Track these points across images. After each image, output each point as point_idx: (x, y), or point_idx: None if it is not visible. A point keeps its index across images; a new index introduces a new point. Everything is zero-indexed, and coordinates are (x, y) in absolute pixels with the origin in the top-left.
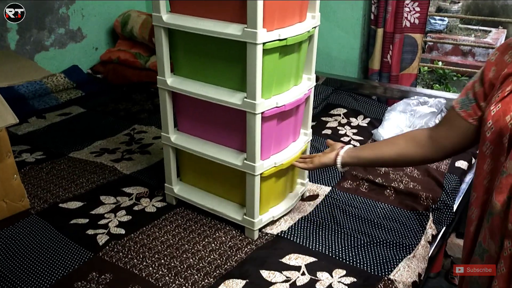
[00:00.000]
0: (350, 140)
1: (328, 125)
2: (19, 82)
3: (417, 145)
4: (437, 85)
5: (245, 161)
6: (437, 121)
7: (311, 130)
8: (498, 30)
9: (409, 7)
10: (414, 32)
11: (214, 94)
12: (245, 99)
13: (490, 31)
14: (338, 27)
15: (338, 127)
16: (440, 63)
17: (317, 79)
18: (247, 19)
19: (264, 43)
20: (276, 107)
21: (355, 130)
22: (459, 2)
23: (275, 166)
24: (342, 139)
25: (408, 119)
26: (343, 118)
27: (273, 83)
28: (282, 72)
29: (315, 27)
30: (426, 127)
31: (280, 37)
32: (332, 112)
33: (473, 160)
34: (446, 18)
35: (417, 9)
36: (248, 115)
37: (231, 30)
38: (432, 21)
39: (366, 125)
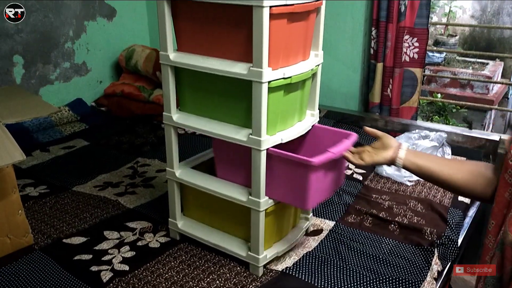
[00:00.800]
0: (352, 173)
1: None
2: (26, 119)
3: (485, 183)
4: (437, 117)
5: (250, 197)
6: (438, 155)
7: None
8: (496, 63)
9: (408, 43)
10: (413, 67)
11: (220, 131)
12: (250, 136)
13: (487, 64)
14: (339, 61)
15: None
16: (439, 95)
17: (318, 112)
18: (253, 58)
19: (269, 82)
20: (281, 143)
21: None
22: (456, 36)
23: (280, 202)
24: (345, 172)
25: None
26: None
27: (277, 120)
28: (286, 109)
29: (318, 65)
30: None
31: (285, 75)
32: None
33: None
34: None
35: (416, 44)
36: (253, 151)
37: (237, 69)
38: (430, 53)
39: None
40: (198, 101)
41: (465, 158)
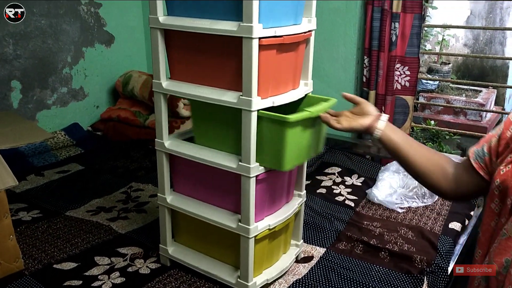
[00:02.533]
0: (344, 200)
1: (323, 184)
2: (20, 145)
3: (442, 176)
4: (430, 143)
5: (239, 224)
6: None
7: (305, 191)
8: (489, 90)
9: (399, 71)
10: (405, 94)
11: (210, 157)
12: (240, 163)
13: (480, 91)
14: (332, 88)
15: (332, 186)
16: (432, 121)
17: None
18: (243, 87)
19: (258, 110)
20: (270, 169)
21: (349, 190)
22: (449, 63)
23: (269, 229)
24: (337, 198)
25: (401, 179)
26: (337, 177)
27: None
28: None
29: (307, 94)
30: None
31: (274, 104)
32: (326, 170)
33: (466, 222)
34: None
35: (407, 72)
36: (242, 178)
37: (227, 97)
38: (424, 81)
39: (360, 184)
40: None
41: None
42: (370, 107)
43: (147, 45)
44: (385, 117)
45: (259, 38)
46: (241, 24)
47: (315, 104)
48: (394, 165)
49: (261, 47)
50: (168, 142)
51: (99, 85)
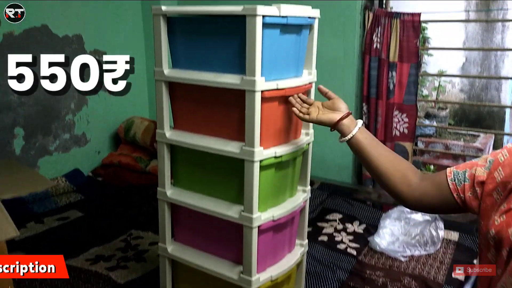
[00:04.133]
0: (346, 248)
1: (324, 231)
2: (22, 194)
3: (405, 183)
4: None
5: (241, 275)
6: (432, 230)
7: (307, 241)
8: (486, 135)
9: (398, 118)
10: (404, 141)
11: (212, 207)
12: (242, 213)
13: (478, 135)
14: (332, 134)
15: (334, 233)
16: (432, 166)
17: (312, 184)
18: (245, 138)
19: (261, 161)
20: (272, 220)
21: (351, 237)
22: (446, 108)
23: (271, 280)
24: (338, 246)
25: (403, 226)
26: (339, 223)
27: (269, 197)
28: (277, 186)
29: (309, 144)
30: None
31: (276, 154)
32: (328, 217)
33: (470, 270)
34: (435, 123)
35: (406, 119)
36: (245, 228)
37: (230, 148)
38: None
39: (362, 231)
40: (193, 178)
41: (458, 233)
42: (341, 104)
43: (149, 92)
44: (360, 122)
45: (262, 91)
46: (244, 77)
47: None
48: (395, 212)
49: (264, 100)
50: (170, 192)
51: (101, 131)
